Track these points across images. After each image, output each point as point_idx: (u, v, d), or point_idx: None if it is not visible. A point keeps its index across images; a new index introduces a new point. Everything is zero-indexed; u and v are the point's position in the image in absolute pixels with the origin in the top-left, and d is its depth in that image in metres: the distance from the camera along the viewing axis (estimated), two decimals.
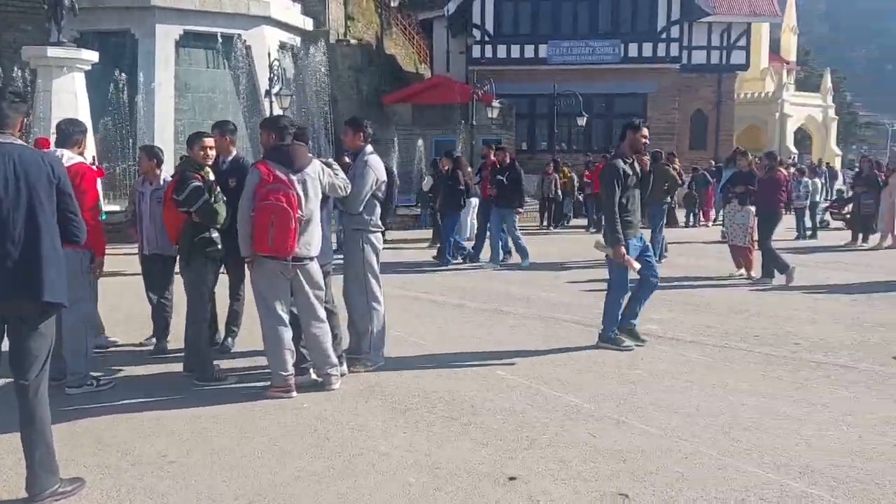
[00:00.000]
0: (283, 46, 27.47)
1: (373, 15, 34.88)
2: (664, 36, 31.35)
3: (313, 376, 5.71)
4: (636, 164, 6.87)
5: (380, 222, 6.23)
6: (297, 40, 28.40)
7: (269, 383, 5.52)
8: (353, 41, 30.63)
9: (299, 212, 5.23)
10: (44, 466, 3.73)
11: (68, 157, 5.51)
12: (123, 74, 22.03)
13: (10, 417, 3.79)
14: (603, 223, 7.11)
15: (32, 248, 3.64)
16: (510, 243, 12.70)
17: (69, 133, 5.77)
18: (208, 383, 5.73)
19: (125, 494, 3.89)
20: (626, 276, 6.75)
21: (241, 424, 4.91)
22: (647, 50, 31.28)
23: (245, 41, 25.68)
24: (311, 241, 5.40)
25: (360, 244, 6.11)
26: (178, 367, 6.18)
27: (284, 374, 5.42)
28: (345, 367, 5.93)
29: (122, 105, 21.86)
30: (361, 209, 6.05)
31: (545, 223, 20.11)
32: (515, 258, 12.60)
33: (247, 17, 25.73)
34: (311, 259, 5.45)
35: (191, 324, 5.89)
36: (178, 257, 6.14)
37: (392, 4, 34.65)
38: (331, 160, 5.93)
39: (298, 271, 5.38)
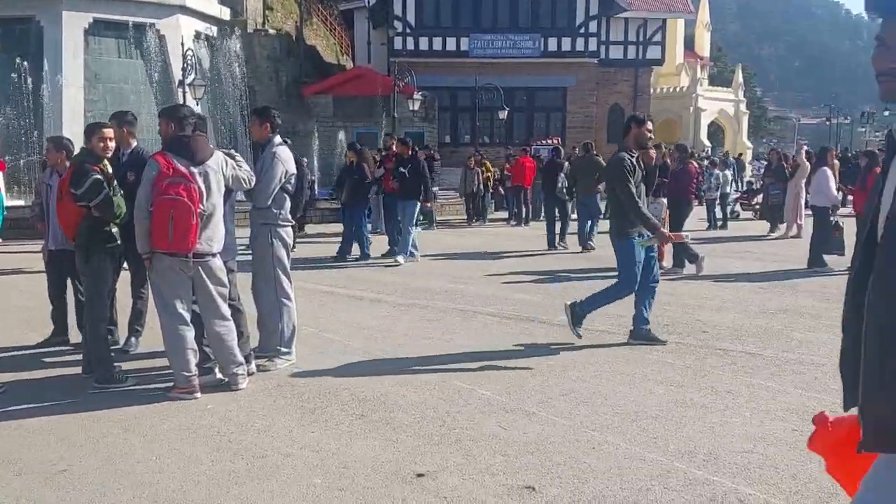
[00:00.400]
0: (198, 36, 26.74)
1: (292, 5, 34.29)
2: (583, 31, 31.84)
3: (218, 376, 5.53)
4: (642, 159, 6.77)
5: (289, 216, 6.07)
6: (214, 30, 27.72)
7: (172, 384, 5.32)
8: (271, 31, 30.07)
9: (201, 206, 5.03)
10: None
11: None
12: (26, 63, 21.03)
13: None
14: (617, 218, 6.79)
15: None
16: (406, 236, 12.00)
17: None
18: (108, 385, 5.48)
19: None
20: (636, 277, 6.56)
21: (141, 428, 4.71)
22: (567, 44, 31.73)
23: (159, 30, 24.90)
24: (214, 237, 5.21)
25: (269, 238, 5.94)
26: (76, 368, 5.89)
27: (187, 374, 5.22)
28: (253, 365, 5.76)
29: (26, 95, 20.89)
30: (270, 202, 5.88)
31: (470, 217, 20.15)
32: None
33: (161, 5, 24.96)
34: (214, 255, 5.26)
35: (89, 323, 5.62)
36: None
37: None
38: (233, 150, 5.74)
39: (200, 268, 5.19)
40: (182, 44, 20.48)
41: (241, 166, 5.51)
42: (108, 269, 5.71)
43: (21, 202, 16.43)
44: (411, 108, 26.33)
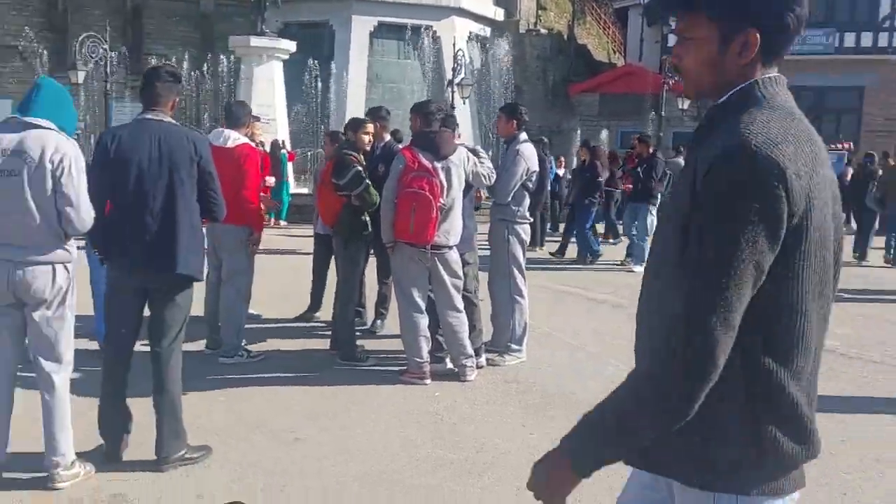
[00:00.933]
0: (472, 37, 27.76)
1: (566, 4, 34.42)
2: (887, 24, 28.46)
3: (449, 366, 5.66)
4: None
5: (528, 213, 6.06)
6: (487, 30, 28.58)
7: (405, 368, 5.54)
8: (542, 31, 30.40)
9: (441, 200, 5.18)
10: (171, 432, 3.94)
11: (234, 138, 5.78)
12: (317, 63, 23.19)
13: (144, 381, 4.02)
14: None
15: (170, 222, 3.83)
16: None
17: (237, 115, 6.01)
18: (349, 363, 5.84)
19: (248, 466, 4.03)
20: None
21: (372, 406, 4.96)
22: (867, 40, 28.55)
23: (435, 32, 26.20)
24: (451, 230, 5.34)
25: (506, 235, 5.97)
26: (325, 343, 6.35)
27: (419, 360, 5.42)
28: (483, 359, 5.83)
29: (315, 94, 23.05)
30: (509, 199, 5.91)
31: None
32: None
33: (438, 7, 26.23)
34: (450, 248, 5.39)
35: (341, 304, 6.03)
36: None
37: None
38: (478, 147, 5.84)
39: (437, 259, 5.34)
40: (453, 45, 21.35)
41: (482, 163, 5.59)
42: (362, 255, 6.11)
43: (306, 190, 18.19)
44: (680, 106, 25.24)
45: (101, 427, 4.02)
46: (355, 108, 24.47)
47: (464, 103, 20.26)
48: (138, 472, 3.92)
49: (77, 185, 3.56)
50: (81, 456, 3.84)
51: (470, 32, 27.59)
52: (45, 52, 24.91)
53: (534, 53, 29.50)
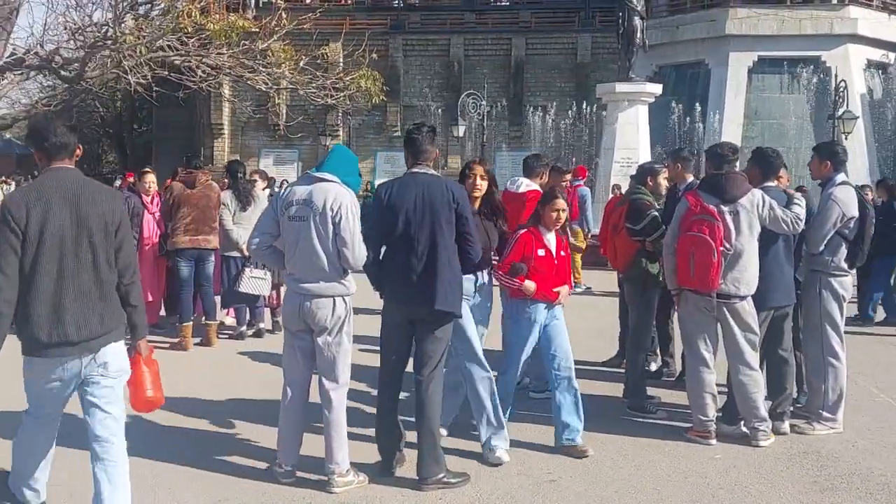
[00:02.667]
0: (870, 65, 24.92)
1: None
2: None
3: (743, 428, 5.17)
4: None
5: (844, 265, 5.32)
6: (892, 56, 25.43)
7: (690, 425, 5.21)
8: None
9: (725, 245, 4.82)
10: (430, 455, 4.25)
11: (526, 184, 6.04)
12: (686, 104, 22.74)
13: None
14: None
15: (432, 263, 4.19)
16: None
17: (531, 166, 6.27)
18: (638, 413, 5.67)
19: (497, 499, 4.16)
20: None
21: (643, 460, 4.76)
22: None
23: (825, 62, 24.06)
24: (742, 279, 4.91)
25: (818, 288, 5.31)
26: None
27: (704, 418, 5.05)
28: (786, 425, 5.23)
29: (682, 133, 22.60)
30: (822, 248, 5.26)
31: None
32: None
33: (829, 37, 24.14)
34: (742, 298, 4.95)
35: (631, 351, 5.90)
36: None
37: None
38: (793, 192, 5.29)
39: (725, 309, 4.96)
40: (835, 75, 19.38)
41: (791, 209, 5.03)
42: (656, 302, 5.92)
43: None
44: None
45: (378, 443, 4.49)
46: None
47: (846, 139, 18.21)
48: (402, 487, 4.29)
49: (352, 228, 4.09)
50: (358, 466, 4.33)
51: (868, 60, 24.82)
52: (439, 109, 28.19)
53: None
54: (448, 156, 29.49)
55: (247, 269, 7.60)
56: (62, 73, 15.23)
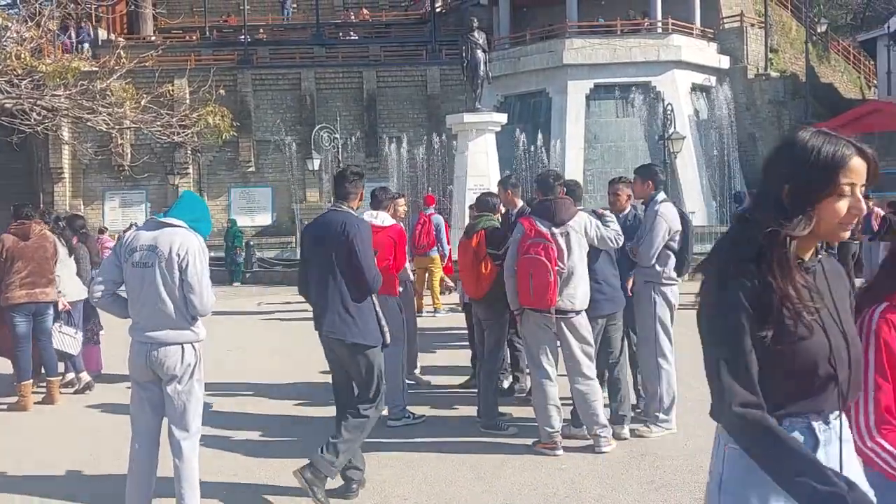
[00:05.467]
0: (694, 88, 26.97)
1: (802, 44, 32.27)
2: None
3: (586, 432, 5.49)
4: None
5: (674, 274, 5.79)
6: (713, 79, 27.60)
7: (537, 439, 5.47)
8: (773, 74, 28.70)
9: (559, 265, 5.15)
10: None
11: (382, 218, 6.16)
12: (529, 131, 23.76)
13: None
14: None
15: (324, 292, 4.55)
16: None
17: (381, 199, 6.41)
18: (490, 430, 5.88)
19: None
20: None
21: (496, 477, 4.95)
22: None
23: (654, 87, 25.82)
24: (576, 295, 5.26)
25: (651, 297, 5.75)
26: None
27: (550, 430, 5.33)
28: (626, 429, 5.60)
29: (530, 159, 23.57)
30: (653, 261, 5.70)
31: None
32: None
33: (657, 63, 25.91)
34: (577, 313, 5.30)
35: (488, 371, 6.11)
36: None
37: (819, 30, 31.58)
38: (606, 212, 5.71)
39: (563, 324, 5.28)
40: (663, 99, 20.90)
41: (608, 226, 5.47)
42: (508, 322, 6.18)
43: None
44: None
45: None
46: (573, 169, 24.68)
47: (675, 157, 19.61)
48: None
49: (200, 274, 4.05)
50: None
51: (692, 84, 26.84)
52: (293, 143, 28.01)
53: (765, 98, 27.87)
54: (306, 189, 29.27)
55: (56, 325, 7.36)
56: None
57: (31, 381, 7.21)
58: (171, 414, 4.15)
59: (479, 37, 18.29)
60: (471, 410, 6.49)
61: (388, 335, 4.71)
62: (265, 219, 29.85)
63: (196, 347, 4.15)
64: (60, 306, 7.45)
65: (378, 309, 4.67)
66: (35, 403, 7.14)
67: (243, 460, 5.38)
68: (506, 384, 7.06)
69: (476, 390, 6.53)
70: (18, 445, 6.01)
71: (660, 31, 26.62)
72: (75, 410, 7.05)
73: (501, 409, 6.16)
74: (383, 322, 4.68)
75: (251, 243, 21.56)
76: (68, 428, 6.50)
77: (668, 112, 19.48)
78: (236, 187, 29.56)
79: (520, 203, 6.54)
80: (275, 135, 28.87)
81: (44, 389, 7.32)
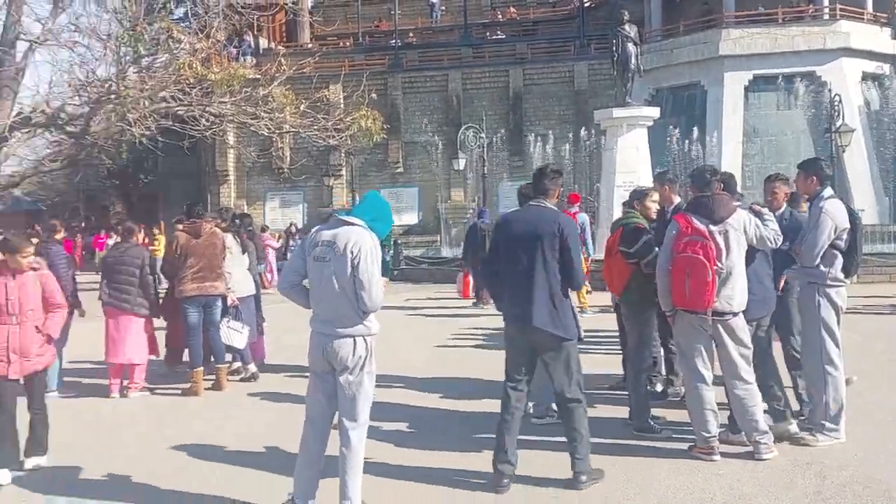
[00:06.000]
0: (866, 77, 25.11)
1: None
2: None
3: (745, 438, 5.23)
4: None
5: (841, 275, 5.41)
6: (886, 67, 25.63)
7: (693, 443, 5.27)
8: None
9: (717, 264, 4.93)
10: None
11: None
12: (683, 124, 22.94)
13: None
14: None
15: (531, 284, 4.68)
16: None
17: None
18: (644, 434, 5.72)
19: None
20: None
21: (649, 480, 4.82)
22: None
23: (820, 77, 24.27)
24: (734, 296, 5.02)
25: (816, 300, 5.39)
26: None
27: (706, 434, 5.11)
28: (794, 425, 5.33)
29: (683, 154, 22.74)
30: (818, 261, 5.36)
31: None
32: None
33: (822, 51, 24.36)
34: (735, 314, 5.06)
35: (634, 372, 5.97)
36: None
37: None
38: (764, 210, 5.40)
39: (720, 326, 5.05)
40: (829, 89, 19.54)
41: (767, 225, 5.18)
42: (653, 322, 6.02)
43: None
44: None
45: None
46: (730, 165, 23.61)
47: (843, 151, 18.31)
48: None
49: (370, 271, 4.17)
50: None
51: (863, 73, 25.01)
52: (440, 144, 28.48)
53: None
54: (451, 188, 29.72)
55: (224, 320, 7.83)
56: (68, 128, 15.56)
57: (202, 368, 7.73)
58: (342, 404, 4.31)
59: (630, 29, 17.87)
60: (622, 412, 6.35)
61: (581, 329, 4.88)
62: (412, 218, 30.57)
63: (368, 341, 4.27)
64: (230, 302, 7.94)
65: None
66: (205, 389, 7.66)
67: (394, 451, 5.52)
68: (659, 387, 6.85)
69: (626, 392, 6.39)
70: (197, 428, 6.46)
71: (826, 17, 25.00)
72: (241, 396, 7.49)
73: (655, 411, 5.98)
74: (578, 317, 4.83)
75: (398, 242, 22.13)
76: (236, 412, 6.92)
77: (836, 103, 18.20)
78: (385, 187, 30.43)
79: (677, 199, 6.31)
80: (422, 136, 29.49)
81: (213, 377, 7.82)
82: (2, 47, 16.69)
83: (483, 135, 22.41)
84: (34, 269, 5.39)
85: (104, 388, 7.71)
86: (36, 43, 16.32)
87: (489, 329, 11.28)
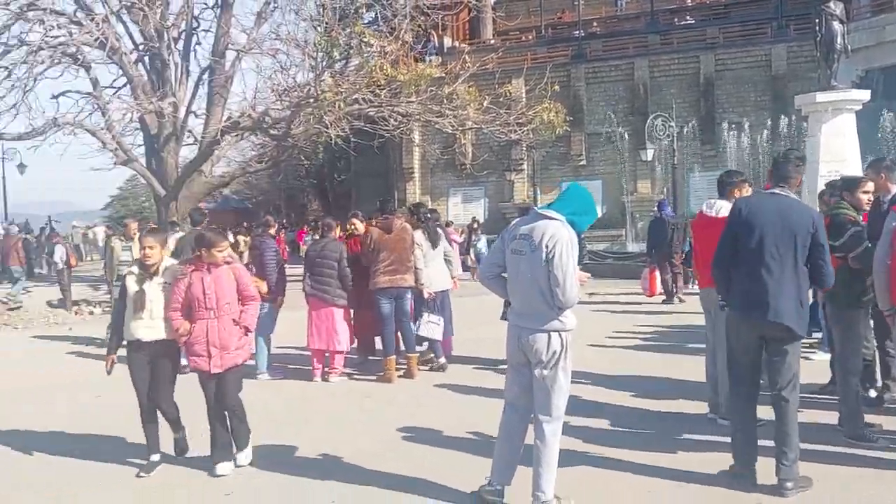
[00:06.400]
0: None
1: None
2: None
3: None
4: None
5: None
6: None
7: None
8: None
9: None
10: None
11: (726, 207, 5.81)
12: (891, 110, 20.88)
13: None
14: None
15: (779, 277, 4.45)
16: None
17: (726, 183, 6.05)
18: (857, 442, 5.27)
19: None
20: None
21: (867, 494, 4.44)
22: None
23: None
24: None
25: None
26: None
27: None
28: None
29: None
30: None
31: None
32: None
33: None
34: None
35: (843, 375, 5.52)
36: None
37: None
38: None
39: None
40: None
41: None
42: (862, 321, 5.52)
43: None
44: None
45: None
46: None
47: None
48: None
49: (565, 267, 4.13)
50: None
51: None
52: (625, 134, 27.78)
53: None
54: (637, 181, 28.92)
55: (424, 315, 8.05)
56: (271, 131, 16.74)
57: (395, 356, 8.04)
58: (537, 397, 4.31)
59: (836, 7, 16.49)
60: (830, 417, 5.90)
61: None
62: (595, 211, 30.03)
63: (563, 336, 4.24)
64: (426, 296, 8.18)
65: None
66: (398, 377, 7.97)
67: (584, 446, 5.46)
68: (873, 393, 6.28)
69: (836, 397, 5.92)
70: (391, 413, 6.73)
71: None
72: (430, 386, 7.71)
73: (869, 419, 5.49)
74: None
75: (582, 237, 21.84)
76: (427, 400, 7.14)
77: None
78: (567, 181, 30.17)
79: (894, 189, 5.75)
80: (606, 127, 28.91)
81: (405, 364, 8.12)
82: (213, 57, 18.25)
83: (672, 123, 21.59)
84: (227, 263, 5.39)
85: (307, 373, 8.24)
86: (242, 52, 17.71)
87: (679, 327, 10.88)
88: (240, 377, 5.43)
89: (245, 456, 5.46)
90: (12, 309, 15.41)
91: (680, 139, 24.37)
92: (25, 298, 16.73)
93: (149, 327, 5.30)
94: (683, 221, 13.97)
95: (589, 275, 4.59)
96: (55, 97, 17.90)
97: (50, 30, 15.75)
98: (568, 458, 4.72)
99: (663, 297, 13.79)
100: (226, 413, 5.34)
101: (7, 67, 15.77)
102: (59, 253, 16.97)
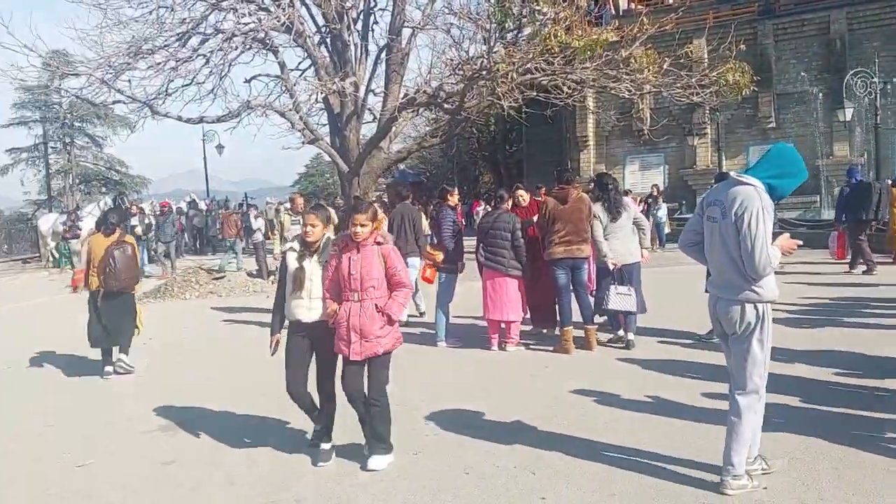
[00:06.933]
0: None
1: None
2: None
3: None
4: None
5: None
6: None
7: None
8: None
9: None
10: None
11: None
12: None
13: None
14: None
15: None
16: None
17: None
18: None
19: None
20: None
21: None
22: None
23: None
24: None
25: None
26: None
27: None
28: None
29: None
30: None
31: None
32: None
33: None
34: None
35: None
36: None
37: None
38: None
39: None
40: None
41: None
42: None
43: None
44: None
45: None
46: None
47: None
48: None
49: (753, 235, 3.89)
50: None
51: None
52: (819, 94, 25.65)
53: None
54: (833, 143, 26.69)
55: (612, 287, 7.82)
56: (445, 106, 16.97)
57: (571, 327, 7.94)
58: (731, 369, 4.21)
59: None
60: None
61: None
62: None
63: (759, 308, 4.05)
64: (611, 266, 7.93)
65: None
66: (576, 348, 7.89)
67: (778, 425, 5.14)
68: None
69: None
70: (569, 385, 6.67)
71: None
72: (610, 360, 7.55)
73: None
74: None
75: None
76: (603, 376, 7.01)
77: None
78: (755, 145, 28.33)
79: None
80: (798, 86, 26.84)
81: (582, 335, 8.03)
82: (390, 35, 18.74)
83: (876, 79, 19.65)
84: (378, 244, 4.91)
85: (484, 341, 8.34)
86: (417, 28, 18.02)
87: (878, 298, 9.99)
88: (383, 369, 4.90)
89: (377, 461, 4.88)
90: (217, 279, 16.73)
91: (883, 96, 22.15)
92: (232, 269, 18.06)
93: (308, 308, 5.00)
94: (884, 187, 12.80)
95: (800, 242, 4.25)
96: (247, 81, 19.08)
97: (241, 17, 16.76)
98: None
99: (863, 267, 12.79)
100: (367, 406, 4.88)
101: (205, 55, 16.98)
102: (258, 225, 18.39)
